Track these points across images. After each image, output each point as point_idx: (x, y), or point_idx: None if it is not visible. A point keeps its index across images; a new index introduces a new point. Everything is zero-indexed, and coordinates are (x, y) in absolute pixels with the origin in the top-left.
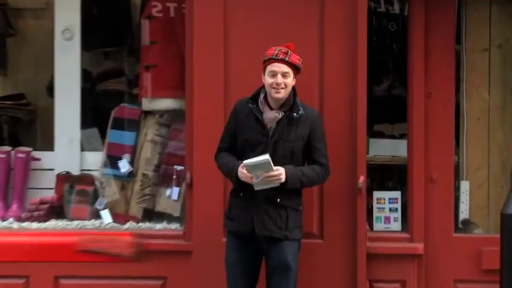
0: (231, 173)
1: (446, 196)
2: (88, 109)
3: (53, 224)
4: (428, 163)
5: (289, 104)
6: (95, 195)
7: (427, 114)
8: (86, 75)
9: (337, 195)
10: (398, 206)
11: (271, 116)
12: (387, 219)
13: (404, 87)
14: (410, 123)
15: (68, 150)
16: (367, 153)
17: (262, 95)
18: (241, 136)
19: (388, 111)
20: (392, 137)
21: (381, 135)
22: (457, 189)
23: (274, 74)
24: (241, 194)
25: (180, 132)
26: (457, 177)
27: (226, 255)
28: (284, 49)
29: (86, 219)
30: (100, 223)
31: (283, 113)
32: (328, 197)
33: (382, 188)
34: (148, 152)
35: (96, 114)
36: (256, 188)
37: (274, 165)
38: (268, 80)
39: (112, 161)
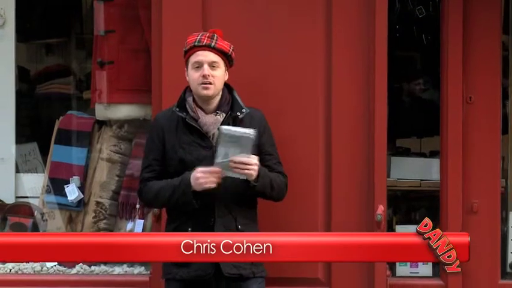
0: (179, 191)
1: (490, 231)
2: (25, 118)
3: None
4: (468, 189)
5: (228, 103)
6: (35, 230)
7: (466, 125)
8: (22, 74)
9: (349, 231)
10: None
11: (209, 120)
12: (414, 262)
13: (436, 90)
14: (445, 137)
15: None
16: (388, 177)
17: (189, 98)
18: (174, 158)
19: (415, 121)
20: (421, 155)
21: (406, 152)
22: (504, 222)
23: (199, 65)
24: (190, 228)
25: None
26: (505, 207)
27: None
28: (209, 33)
29: (23, 261)
30: (41, 266)
31: (224, 114)
32: (337, 231)
33: (408, 222)
34: (103, 174)
35: (35, 125)
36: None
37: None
38: (192, 74)
39: (56, 185)
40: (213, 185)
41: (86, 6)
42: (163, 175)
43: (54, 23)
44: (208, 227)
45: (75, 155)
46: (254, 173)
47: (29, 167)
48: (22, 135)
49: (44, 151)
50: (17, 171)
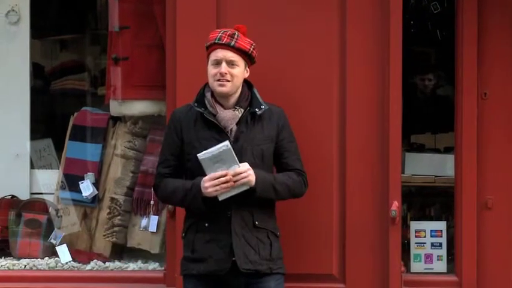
0: (190, 195)
1: (505, 227)
2: (40, 114)
3: None
4: (483, 184)
5: (247, 99)
6: (49, 227)
7: (480, 121)
8: (36, 70)
9: (364, 227)
10: (443, 240)
11: (227, 115)
12: (429, 258)
13: (451, 86)
14: (459, 133)
15: (14, 167)
16: (403, 172)
17: (208, 94)
18: (191, 152)
19: (430, 117)
20: (436, 150)
21: (420, 148)
22: None
23: (217, 63)
24: (207, 224)
25: (160, 145)
26: None
27: None
28: (230, 31)
29: (37, 257)
30: (56, 262)
31: (243, 110)
32: (351, 228)
33: (422, 218)
34: (118, 170)
35: (50, 121)
36: (221, 198)
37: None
38: (211, 70)
39: (71, 181)
40: (225, 190)
41: (100, 2)
42: (180, 170)
43: (68, 19)
44: (225, 224)
45: (90, 151)
46: (252, 178)
47: (43, 163)
48: (37, 132)
49: (59, 147)
50: (32, 167)
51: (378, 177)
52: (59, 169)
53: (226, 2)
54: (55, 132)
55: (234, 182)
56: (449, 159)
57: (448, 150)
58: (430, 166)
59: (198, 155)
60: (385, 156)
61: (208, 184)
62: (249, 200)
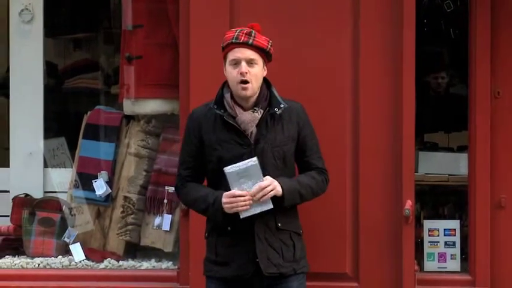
0: (212, 209)
1: None
2: (53, 113)
3: (8, 262)
4: (496, 183)
5: (266, 99)
6: (63, 225)
7: (494, 120)
8: (50, 68)
9: (377, 226)
10: (457, 239)
11: (247, 117)
12: (442, 257)
13: (464, 85)
14: (473, 132)
15: (27, 166)
16: (416, 171)
17: (227, 95)
18: (212, 155)
19: (443, 116)
20: (449, 149)
21: (433, 147)
22: None
23: (236, 62)
24: (229, 228)
25: (173, 143)
26: None
27: None
28: (247, 29)
29: (51, 256)
30: (69, 261)
31: (262, 111)
32: (365, 227)
33: (436, 217)
34: (131, 169)
35: (63, 120)
36: (243, 215)
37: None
38: (230, 71)
39: (85, 180)
40: (244, 208)
41: (113, 1)
42: (201, 170)
43: (82, 18)
44: (249, 227)
45: (103, 149)
46: (279, 188)
47: (57, 161)
48: (50, 130)
49: (72, 146)
50: (45, 166)
51: (391, 176)
52: (72, 168)
53: (240, 0)
54: (68, 131)
55: (260, 197)
56: (463, 158)
57: (461, 149)
58: (443, 165)
59: (224, 168)
60: (399, 155)
61: (226, 200)
62: (276, 208)
